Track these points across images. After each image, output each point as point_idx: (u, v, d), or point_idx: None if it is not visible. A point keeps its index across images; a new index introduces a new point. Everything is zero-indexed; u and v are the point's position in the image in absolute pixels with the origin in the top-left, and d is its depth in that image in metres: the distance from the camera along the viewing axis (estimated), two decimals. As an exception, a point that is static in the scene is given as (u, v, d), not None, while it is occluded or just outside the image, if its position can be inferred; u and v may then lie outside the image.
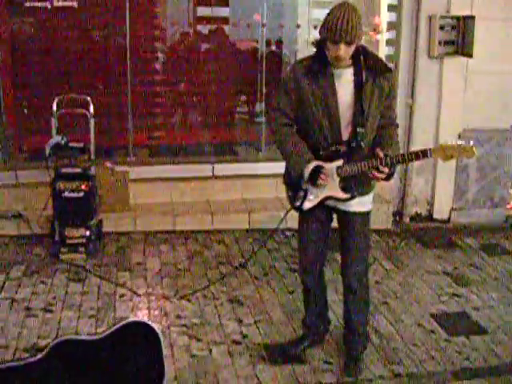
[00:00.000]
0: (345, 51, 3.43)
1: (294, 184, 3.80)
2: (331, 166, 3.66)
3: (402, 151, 3.77)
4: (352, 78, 3.57)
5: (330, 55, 3.49)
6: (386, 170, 3.54)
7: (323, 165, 3.65)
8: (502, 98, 6.56)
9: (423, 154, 3.50)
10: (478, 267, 5.70)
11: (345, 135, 3.64)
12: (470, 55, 6.19)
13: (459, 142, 3.45)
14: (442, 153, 3.47)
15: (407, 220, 6.76)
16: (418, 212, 6.78)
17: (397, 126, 3.82)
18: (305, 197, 3.77)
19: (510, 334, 4.55)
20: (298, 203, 3.81)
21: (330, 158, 3.66)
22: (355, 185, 3.71)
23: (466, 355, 4.26)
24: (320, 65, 3.57)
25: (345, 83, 3.57)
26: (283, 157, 3.81)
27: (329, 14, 3.43)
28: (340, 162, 3.65)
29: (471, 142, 3.43)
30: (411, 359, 4.18)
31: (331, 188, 3.71)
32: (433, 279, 5.41)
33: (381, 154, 3.52)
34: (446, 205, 6.75)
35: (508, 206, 6.96)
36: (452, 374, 4.05)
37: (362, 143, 3.61)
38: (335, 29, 3.36)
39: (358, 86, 3.56)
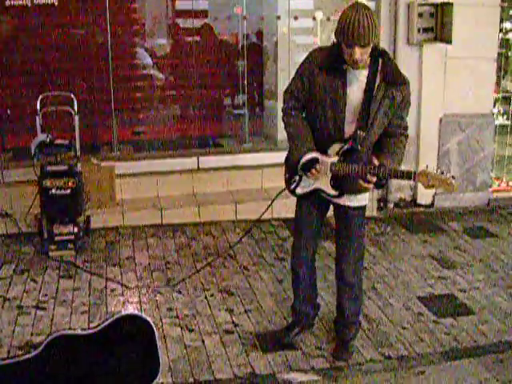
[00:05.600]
0: (360, 54, 3.39)
1: (292, 167, 3.85)
2: (327, 161, 3.69)
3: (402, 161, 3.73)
4: (365, 80, 3.55)
5: (346, 58, 3.46)
6: (374, 179, 3.53)
7: (320, 158, 3.69)
8: (481, 83, 6.65)
9: (408, 175, 3.49)
10: (462, 250, 5.80)
11: (347, 134, 3.64)
12: (449, 41, 6.26)
13: (443, 175, 3.40)
14: (425, 180, 3.44)
15: (392, 206, 6.85)
16: (402, 198, 6.87)
17: (405, 136, 3.74)
18: (299, 182, 3.84)
19: (495, 314, 4.65)
20: (292, 186, 3.88)
21: (329, 153, 3.70)
22: (345, 184, 3.73)
23: (454, 336, 4.35)
24: (335, 60, 3.54)
25: (357, 83, 3.56)
26: (288, 138, 3.84)
27: (342, 17, 3.37)
28: (335, 159, 3.68)
29: (454, 178, 3.39)
30: (401, 342, 4.25)
31: (323, 182, 3.77)
32: (419, 263, 5.50)
33: (376, 163, 3.53)
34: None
35: (490, 190, 7.07)
36: (441, 355, 4.13)
37: (359, 146, 3.61)
38: (349, 32, 3.31)
39: (369, 91, 3.54)
